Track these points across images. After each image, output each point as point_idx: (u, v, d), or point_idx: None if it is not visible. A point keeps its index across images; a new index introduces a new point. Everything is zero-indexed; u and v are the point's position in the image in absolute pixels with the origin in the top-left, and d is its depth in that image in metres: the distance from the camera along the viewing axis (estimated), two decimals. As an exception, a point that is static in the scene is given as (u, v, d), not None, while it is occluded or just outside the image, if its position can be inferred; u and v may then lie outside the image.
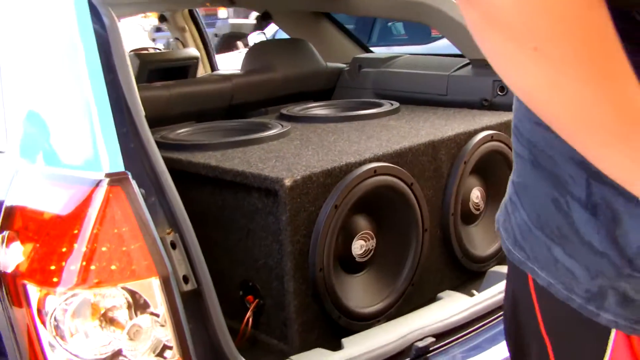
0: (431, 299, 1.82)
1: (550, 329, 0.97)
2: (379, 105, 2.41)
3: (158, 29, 7.59)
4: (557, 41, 0.65)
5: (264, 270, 1.68)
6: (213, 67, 4.11)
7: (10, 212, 1.30)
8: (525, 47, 0.66)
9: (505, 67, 0.70)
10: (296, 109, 2.42)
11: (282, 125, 2.11)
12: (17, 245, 1.27)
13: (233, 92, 2.63)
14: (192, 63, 3.51)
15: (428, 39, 5.54)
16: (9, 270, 1.25)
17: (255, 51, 2.94)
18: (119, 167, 1.23)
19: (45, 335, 1.20)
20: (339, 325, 1.68)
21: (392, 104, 2.40)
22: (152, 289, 1.21)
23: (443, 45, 4.28)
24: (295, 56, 2.87)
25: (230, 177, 1.69)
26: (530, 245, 0.93)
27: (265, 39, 7.53)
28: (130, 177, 1.23)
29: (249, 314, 1.70)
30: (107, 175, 1.22)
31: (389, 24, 6.40)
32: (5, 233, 1.29)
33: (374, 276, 1.80)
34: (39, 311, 1.21)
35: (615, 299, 0.87)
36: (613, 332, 0.89)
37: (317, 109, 2.44)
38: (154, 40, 7.17)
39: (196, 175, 1.78)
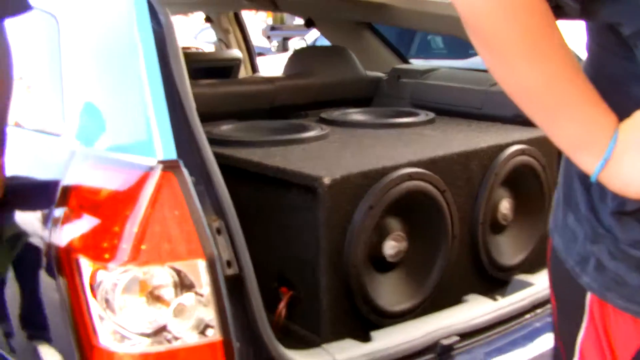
0: (456, 301, 1.88)
1: (554, 287, 1.20)
2: (415, 114, 2.48)
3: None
4: (499, 37, 0.93)
5: (299, 263, 1.76)
6: (254, 69, 4.21)
7: (67, 191, 1.40)
8: (484, 45, 0.96)
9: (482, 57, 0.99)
10: (335, 114, 2.50)
11: (321, 128, 2.19)
12: (72, 222, 1.36)
13: (275, 94, 2.72)
14: (235, 64, 3.61)
15: (467, 54, 5.60)
16: (63, 244, 1.34)
17: (298, 56, 3.03)
18: (172, 155, 1.32)
19: (96, 307, 1.29)
20: (369, 320, 1.75)
21: (427, 115, 2.47)
22: (198, 270, 1.29)
23: (481, 60, 4.34)
24: (336, 63, 2.96)
25: (272, 174, 1.78)
26: (556, 216, 1.14)
27: (305, 45, 7.68)
28: (182, 165, 1.32)
29: (282, 304, 1.77)
30: (161, 162, 1.31)
31: (429, 37, 6.47)
32: (62, 210, 1.39)
33: (404, 276, 1.87)
34: (91, 285, 1.30)
35: (594, 264, 1.05)
36: (589, 295, 1.07)
37: (356, 115, 2.52)
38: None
39: (238, 170, 1.86)
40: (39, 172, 1.55)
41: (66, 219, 1.37)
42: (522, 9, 0.92)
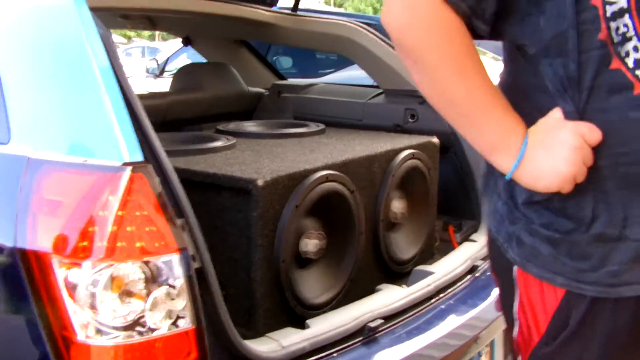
0: (369, 292, 2.06)
1: (493, 264, 1.42)
2: (307, 125, 2.66)
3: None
4: (426, 57, 1.15)
5: (229, 263, 1.87)
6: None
7: (27, 197, 1.43)
8: (413, 64, 1.18)
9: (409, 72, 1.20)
10: (231, 126, 2.62)
11: (227, 139, 2.31)
12: (39, 226, 1.41)
13: (167, 108, 2.80)
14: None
15: (316, 73, 5.88)
16: (33, 249, 1.38)
17: (185, 72, 3.12)
18: (138, 156, 1.40)
19: (71, 304, 1.35)
20: (295, 313, 1.90)
21: (318, 125, 2.66)
22: (171, 264, 1.38)
23: (331, 79, 4.62)
24: (221, 78, 3.09)
25: (201, 179, 1.88)
26: (488, 202, 1.37)
27: (156, 65, 7.68)
28: (150, 166, 1.41)
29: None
30: (129, 163, 1.39)
31: (274, 57, 6.70)
32: (25, 216, 1.42)
33: (320, 271, 2.03)
34: (66, 284, 1.35)
35: (515, 241, 1.27)
36: (515, 268, 1.29)
37: (251, 127, 2.66)
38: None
39: None
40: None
41: (31, 224, 1.41)
42: (444, 33, 1.14)
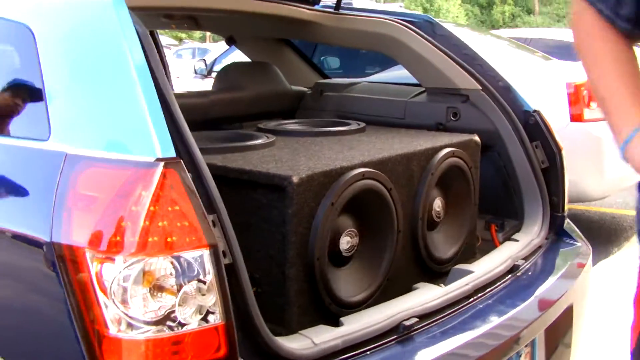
0: (405, 290, 2.05)
1: None
2: (347, 124, 2.66)
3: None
4: (580, 52, 1.51)
5: (263, 260, 1.87)
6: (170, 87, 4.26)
7: (64, 192, 1.46)
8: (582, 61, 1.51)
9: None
10: (272, 124, 2.63)
11: (267, 137, 2.32)
12: (74, 221, 1.43)
13: (209, 107, 2.83)
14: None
15: (363, 73, 5.87)
16: (68, 242, 1.41)
17: (228, 72, 3.15)
18: (171, 152, 1.42)
19: (103, 298, 1.37)
20: (329, 311, 1.89)
21: (359, 124, 2.65)
22: (202, 260, 1.40)
23: (379, 79, 4.60)
24: (263, 77, 3.10)
25: (237, 176, 1.89)
26: None
27: (204, 66, 7.77)
28: (182, 162, 1.43)
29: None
30: (162, 159, 1.41)
31: (322, 58, 6.71)
32: (61, 210, 1.45)
33: (356, 270, 2.02)
34: (98, 278, 1.37)
35: None
36: None
37: (292, 125, 2.67)
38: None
39: None
40: (29, 177, 1.60)
41: (67, 219, 1.43)
42: (589, 31, 1.49)
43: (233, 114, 2.91)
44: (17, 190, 1.61)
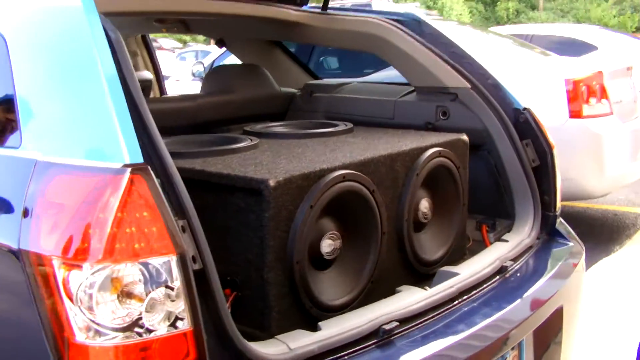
0: (389, 293, 2.02)
1: None
2: (334, 125, 2.64)
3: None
4: None
5: (242, 264, 1.86)
6: (162, 91, 4.27)
7: (33, 199, 1.45)
8: None
9: None
10: (258, 127, 2.62)
11: (250, 139, 2.31)
12: (41, 228, 1.42)
13: (197, 111, 2.81)
14: (146, 85, 3.67)
15: (361, 72, 5.84)
16: (34, 250, 1.40)
17: (215, 74, 3.14)
18: (139, 158, 1.41)
19: (70, 305, 1.35)
20: (310, 315, 1.87)
21: (346, 125, 2.63)
22: (170, 266, 1.38)
23: (375, 78, 4.59)
24: (252, 80, 3.09)
25: (216, 180, 1.88)
26: None
27: (202, 68, 7.76)
28: (149, 167, 1.41)
29: (227, 305, 1.86)
30: (129, 165, 1.39)
31: (321, 58, 6.69)
32: (29, 218, 1.44)
33: (339, 273, 2.00)
34: (65, 285, 1.36)
35: None
36: None
37: (278, 128, 2.65)
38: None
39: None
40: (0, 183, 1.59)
41: (35, 226, 1.42)
42: None
43: (221, 117, 2.90)
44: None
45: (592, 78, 5.06)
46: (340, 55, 6.39)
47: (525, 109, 2.59)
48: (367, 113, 2.90)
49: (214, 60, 7.53)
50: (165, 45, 23.40)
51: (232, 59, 7.19)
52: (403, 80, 2.98)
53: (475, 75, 2.65)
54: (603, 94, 5.11)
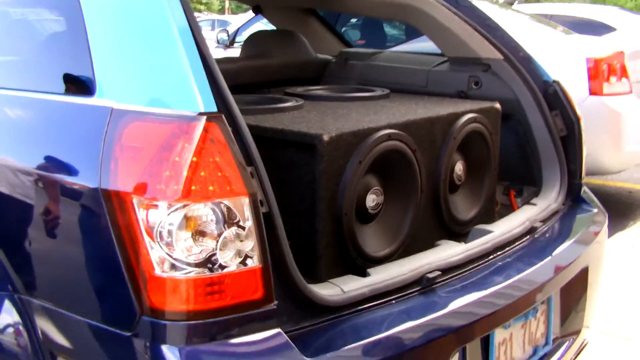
0: (427, 249, 2.14)
1: None
2: (372, 90, 2.74)
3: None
4: None
5: (294, 215, 1.97)
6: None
7: (112, 143, 1.56)
8: None
9: None
10: (299, 90, 2.72)
11: (295, 100, 2.41)
12: (121, 169, 1.53)
13: (237, 73, 2.91)
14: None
15: (384, 45, 5.93)
16: (116, 189, 1.51)
17: (255, 39, 3.24)
18: (213, 107, 1.52)
19: (149, 241, 1.47)
20: (356, 264, 1.99)
21: (383, 90, 2.73)
22: (242, 206, 1.50)
23: (400, 49, 4.67)
24: (289, 45, 3.18)
25: (270, 135, 1.99)
26: None
27: (227, 36, 7.85)
28: (223, 116, 1.52)
29: None
30: (204, 113, 1.50)
31: (344, 29, 6.77)
32: (109, 159, 1.55)
33: (381, 226, 2.12)
34: (144, 222, 1.47)
35: None
36: None
37: (318, 91, 2.75)
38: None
39: None
40: (77, 131, 1.69)
41: (114, 168, 1.53)
42: None
43: (261, 80, 3.00)
44: (68, 143, 1.70)
45: (613, 57, 5.13)
46: (362, 28, 6.47)
47: (554, 81, 2.69)
48: (400, 81, 2.99)
49: (239, 29, 7.62)
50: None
51: (256, 28, 7.28)
52: (433, 51, 3.07)
53: (508, 48, 2.74)
54: (623, 73, 5.18)
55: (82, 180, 1.60)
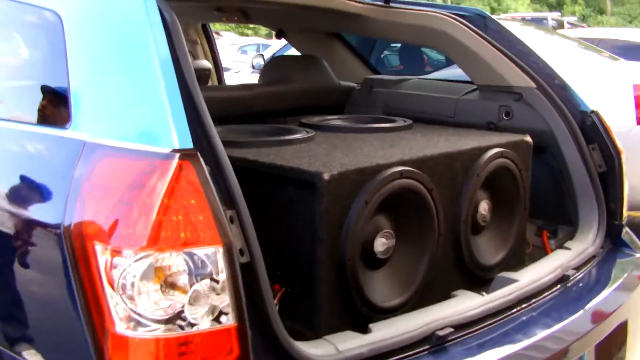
0: (444, 297, 1.93)
1: None
2: (393, 120, 2.55)
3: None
4: None
5: (293, 259, 1.79)
6: (221, 80, 4.24)
7: (80, 181, 1.40)
8: None
9: None
10: (315, 119, 2.55)
11: (306, 131, 2.24)
12: (87, 211, 1.37)
13: (253, 100, 2.76)
14: (204, 74, 3.64)
15: (422, 70, 5.73)
16: (78, 233, 1.35)
17: (274, 65, 3.08)
18: (188, 144, 1.35)
19: (111, 293, 1.30)
20: (361, 314, 1.79)
21: (405, 121, 2.54)
22: (215, 257, 1.32)
23: (437, 77, 4.48)
24: (311, 71, 3.03)
25: (268, 170, 1.81)
26: None
27: (262, 61, 7.75)
28: (198, 154, 1.35)
29: (275, 301, 1.80)
30: (178, 150, 1.34)
31: (382, 55, 6.59)
32: (74, 200, 1.39)
33: (391, 273, 1.92)
34: (107, 272, 1.31)
35: None
36: None
37: (336, 121, 2.58)
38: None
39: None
40: (47, 165, 1.55)
41: (80, 209, 1.38)
42: None
43: (278, 108, 2.84)
44: (36, 177, 1.57)
45: (662, 84, 4.86)
46: (402, 53, 6.28)
47: (592, 111, 2.47)
48: (427, 110, 2.80)
49: (275, 53, 7.51)
50: (227, 39, 23.64)
51: (293, 52, 7.17)
52: (465, 79, 2.88)
53: (541, 75, 2.54)
54: (673, 101, 4.90)
55: (47, 220, 1.45)
